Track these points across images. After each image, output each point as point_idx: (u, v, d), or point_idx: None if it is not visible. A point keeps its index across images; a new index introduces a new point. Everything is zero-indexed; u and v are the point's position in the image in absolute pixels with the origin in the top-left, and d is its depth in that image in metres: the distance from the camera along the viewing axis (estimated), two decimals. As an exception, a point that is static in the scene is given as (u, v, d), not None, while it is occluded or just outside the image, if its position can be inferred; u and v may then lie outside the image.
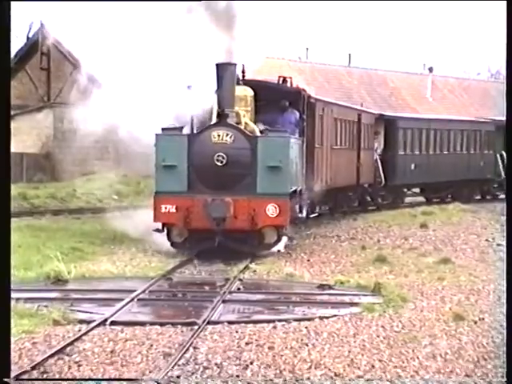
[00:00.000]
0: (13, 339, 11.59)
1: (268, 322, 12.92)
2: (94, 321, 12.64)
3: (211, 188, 18.78)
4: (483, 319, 13.34)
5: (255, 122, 20.25)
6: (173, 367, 10.24)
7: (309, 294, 15.74)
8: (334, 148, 26.29)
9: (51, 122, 40.10)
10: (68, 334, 11.85)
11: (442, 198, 37.58)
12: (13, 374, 9.79)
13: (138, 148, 20.81)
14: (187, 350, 11.06)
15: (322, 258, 20.43)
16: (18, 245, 20.61)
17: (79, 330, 12.07)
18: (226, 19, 19.35)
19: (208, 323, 12.70)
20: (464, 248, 22.16)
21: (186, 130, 19.66)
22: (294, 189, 19.94)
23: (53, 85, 42.25)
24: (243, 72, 21.38)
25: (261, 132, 19.76)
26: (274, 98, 21.07)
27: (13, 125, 39.42)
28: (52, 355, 10.72)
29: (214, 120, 19.25)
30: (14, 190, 36.33)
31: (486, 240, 23.88)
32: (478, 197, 39.97)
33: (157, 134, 19.04)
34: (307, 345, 11.48)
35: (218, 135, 18.74)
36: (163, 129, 19.19)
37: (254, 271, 17.93)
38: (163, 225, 19.13)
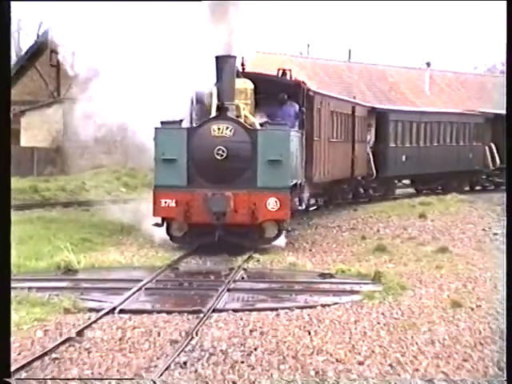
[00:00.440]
0: (25, 327, 11.66)
1: (271, 309, 12.94)
2: (103, 309, 12.67)
3: (211, 182, 18.29)
4: (480, 306, 13.35)
5: (255, 115, 19.87)
6: (179, 354, 10.26)
7: (311, 283, 15.75)
8: (330, 141, 26.01)
9: (61, 117, 40.15)
10: (78, 322, 11.89)
11: (432, 190, 37.38)
12: (25, 361, 9.83)
13: (143, 142, 20.56)
14: (193, 337, 11.09)
15: (323, 248, 20.44)
16: (30, 236, 20.68)
17: (89, 318, 12.11)
18: (224, 12, 18.73)
19: (213, 311, 12.73)
20: (461, 237, 22.16)
21: (186, 124, 19.28)
22: (294, 182, 19.53)
23: (62, 81, 42.31)
24: (243, 65, 21.04)
25: (261, 125, 19.35)
26: (273, 91, 20.67)
27: (24, 120, 39.85)
28: (63, 342, 10.75)
29: (214, 113, 18.81)
30: (26, 182, 36.51)
31: (483, 229, 23.87)
32: (467, 188, 39.77)
33: (156, 128, 18.60)
34: (309, 332, 11.51)
35: (218, 128, 18.25)
36: (162, 122, 18.73)
37: (258, 261, 17.91)
38: (163, 219, 18.68)
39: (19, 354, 10.37)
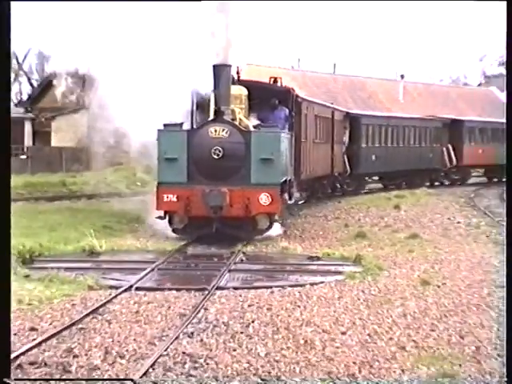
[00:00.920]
0: (55, 301, 11.69)
1: (267, 287, 12.96)
2: (121, 287, 12.68)
3: (209, 179, 17.77)
4: (445, 284, 13.37)
5: (249, 119, 19.45)
6: (187, 325, 10.29)
7: (301, 265, 15.76)
8: (315, 142, 25.63)
9: (85, 121, 40.06)
10: (100, 298, 11.91)
11: (398, 185, 37.14)
12: (54, 331, 9.85)
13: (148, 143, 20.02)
14: (199, 311, 11.11)
15: (311, 234, 20.46)
16: (59, 223, 20.73)
17: (110, 295, 12.12)
18: (221, 24, 18.24)
19: (216, 289, 12.75)
20: (430, 225, 22.20)
21: (187, 126, 18.82)
22: (284, 179, 19.04)
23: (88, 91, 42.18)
24: (238, 73, 20.53)
25: (254, 127, 18.90)
26: (265, 97, 20.17)
27: (54, 124, 39.66)
28: (87, 315, 10.78)
29: (212, 116, 18.36)
30: (56, 178, 36.57)
31: (448, 218, 23.91)
32: (428, 183, 39.44)
33: (159, 130, 18.16)
34: (299, 306, 11.54)
35: (215, 130, 17.80)
36: (165, 125, 18.27)
37: (255, 245, 17.91)
38: (165, 212, 18.23)
39: (50, 323, 10.40)
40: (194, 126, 18.97)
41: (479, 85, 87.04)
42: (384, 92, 61.08)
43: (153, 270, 14.52)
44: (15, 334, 9.74)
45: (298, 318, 10.79)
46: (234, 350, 9.20)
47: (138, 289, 12.66)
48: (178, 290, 12.61)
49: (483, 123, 46.01)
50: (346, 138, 32.76)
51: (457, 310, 11.41)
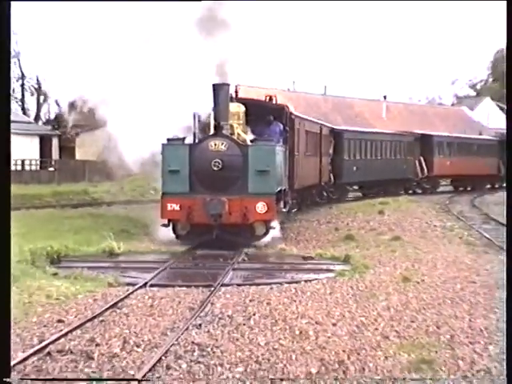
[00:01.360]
0: (79, 296, 11.68)
1: (266, 284, 12.95)
2: (137, 284, 12.68)
3: (209, 189, 17.27)
4: (423, 280, 13.35)
5: (246, 133, 19.04)
6: (195, 318, 10.28)
7: (296, 264, 15.73)
8: (306, 155, 25.24)
9: (106, 137, 40.10)
10: (119, 294, 11.90)
11: (375, 194, 36.82)
12: (78, 322, 9.84)
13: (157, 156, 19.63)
14: (206, 305, 11.10)
15: (306, 237, 20.44)
16: (82, 227, 20.71)
17: (127, 291, 12.11)
18: (219, 46, 17.86)
19: (222, 285, 12.73)
20: (410, 228, 22.15)
21: (189, 140, 18.26)
22: (279, 189, 18.55)
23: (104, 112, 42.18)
24: (236, 92, 20.13)
25: (251, 141, 18.41)
26: (261, 113, 19.79)
27: (78, 140, 39.58)
28: (107, 308, 10.77)
29: (212, 131, 17.88)
30: (79, 187, 36.60)
31: (426, 222, 23.86)
32: (402, 192, 38.92)
33: (163, 144, 17.71)
34: (295, 301, 11.51)
35: (215, 144, 17.37)
36: (168, 139, 17.84)
37: (255, 247, 17.86)
38: (169, 220, 17.70)
39: (75, 316, 10.39)
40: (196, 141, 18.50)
41: (452, 105, 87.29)
42: (369, 111, 61.26)
43: (165, 268, 14.51)
44: (45, 326, 9.76)
45: (294, 311, 10.77)
46: (237, 340, 9.19)
47: (152, 285, 12.65)
48: (187, 286, 12.58)
49: (450, 138, 46.02)
50: (331, 151, 32.61)
51: (434, 303, 11.40)
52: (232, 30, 18.12)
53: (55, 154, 50.76)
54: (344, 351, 8.76)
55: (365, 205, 30.04)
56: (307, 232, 21.54)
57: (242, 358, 8.44)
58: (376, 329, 9.84)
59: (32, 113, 60.49)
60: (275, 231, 18.72)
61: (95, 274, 13.61)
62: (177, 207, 17.13)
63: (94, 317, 10.22)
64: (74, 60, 20.42)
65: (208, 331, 9.59)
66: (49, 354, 8.51)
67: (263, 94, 22.01)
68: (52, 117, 58.48)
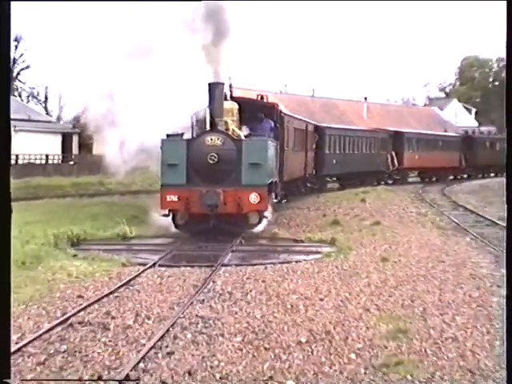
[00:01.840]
0: (97, 275, 11.69)
1: (261, 264, 12.97)
2: (147, 264, 12.70)
3: (205, 181, 16.70)
4: (400, 260, 13.38)
5: (240, 129, 18.53)
6: (199, 294, 10.31)
7: (288, 246, 15.73)
8: (294, 149, 24.84)
9: (120, 135, 39.90)
10: (131, 273, 11.92)
11: (352, 184, 36.35)
12: (96, 298, 9.86)
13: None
14: (208, 283, 11.13)
15: (297, 222, 20.42)
16: (98, 214, 20.70)
17: (138, 270, 12.14)
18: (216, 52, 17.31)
19: (222, 265, 12.77)
20: (389, 214, 22.15)
21: (187, 136, 17.67)
22: (270, 181, 18.03)
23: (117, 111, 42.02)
24: (231, 91, 19.52)
25: (245, 136, 17.91)
26: (254, 111, 19.31)
27: (95, 136, 38.80)
28: (121, 286, 10.80)
29: (208, 127, 17.26)
30: (96, 179, 36.50)
31: (403, 209, 23.88)
32: (375, 183, 38.57)
33: (162, 139, 17.10)
34: (287, 279, 11.54)
35: (211, 139, 16.80)
36: (167, 135, 17.28)
37: (252, 231, 17.83)
38: (169, 211, 17.05)
39: (93, 292, 10.42)
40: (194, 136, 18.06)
41: (424, 105, 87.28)
42: (352, 111, 61.16)
43: (172, 250, 14.54)
44: (66, 301, 9.79)
45: (286, 287, 10.81)
46: (236, 313, 9.23)
47: (160, 265, 12.67)
48: (191, 266, 12.61)
49: (419, 135, 46.09)
50: (314, 146, 32.48)
51: (409, 280, 11.44)
52: (230, 38, 17.89)
53: (75, 150, 50.83)
54: (330, 323, 8.79)
55: (349, 194, 30.03)
56: (298, 218, 21.53)
57: (240, 329, 8.48)
58: (358, 303, 9.88)
59: (54, 114, 60.78)
60: (269, 217, 18.67)
61: (110, 255, 13.64)
62: (175, 198, 16.63)
63: (110, 293, 10.26)
64: (84, 70, 20.40)
65: (210, 306, 9.62)
66: (71, 325, 8.55)
67: (254, 95, 21.75)
68: (71, 117, 58.50)
